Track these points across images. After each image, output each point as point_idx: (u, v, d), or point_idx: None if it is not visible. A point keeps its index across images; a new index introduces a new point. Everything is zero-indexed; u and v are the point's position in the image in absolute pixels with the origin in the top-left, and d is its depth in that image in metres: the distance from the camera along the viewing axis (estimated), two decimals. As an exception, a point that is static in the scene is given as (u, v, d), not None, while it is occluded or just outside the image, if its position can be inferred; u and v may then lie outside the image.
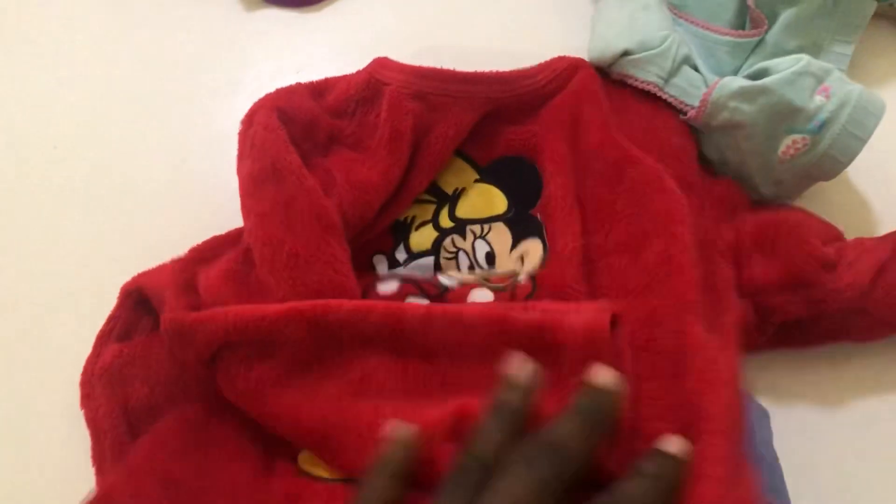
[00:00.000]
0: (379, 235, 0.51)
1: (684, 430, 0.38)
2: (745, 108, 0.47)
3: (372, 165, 0.49)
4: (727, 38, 0.55)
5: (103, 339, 0.49)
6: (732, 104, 0.48)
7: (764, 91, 0.47)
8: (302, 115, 0.50)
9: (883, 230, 0.53)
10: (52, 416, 0.50)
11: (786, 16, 0.54)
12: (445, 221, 0.51)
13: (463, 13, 0.62)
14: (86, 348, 0.49)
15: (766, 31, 0.55)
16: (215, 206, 0.56)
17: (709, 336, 0.43)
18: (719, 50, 0.56)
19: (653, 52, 0.52)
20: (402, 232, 0.51)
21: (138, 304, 0.50)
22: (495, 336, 0.40)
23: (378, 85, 0.51)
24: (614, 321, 0.40)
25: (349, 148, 0.51)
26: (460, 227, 0.51)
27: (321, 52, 0.61)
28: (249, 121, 0.49)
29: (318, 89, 0.52)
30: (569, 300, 0.46)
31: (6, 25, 0.64)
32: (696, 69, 0.54)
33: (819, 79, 0.47)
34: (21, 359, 0.52)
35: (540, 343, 0.39)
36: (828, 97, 0.47)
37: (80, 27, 0.63)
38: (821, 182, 0.52)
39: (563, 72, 0.53)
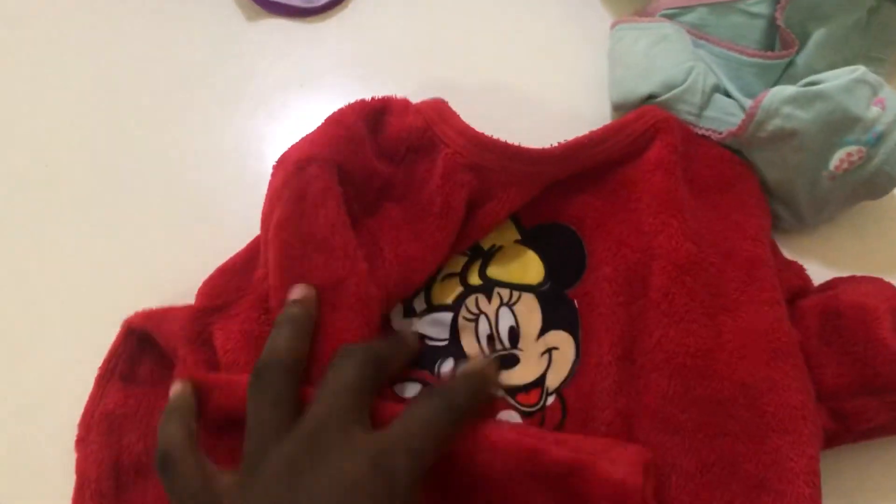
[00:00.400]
0: None
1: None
2: (800, 114, 0.45)
3: (420, 238, 0.45)
4: (755, 59, 0.53)
5: (106, 377, 0.45)
6: (786, 110, 0.45)
7: (821, 96, 0.44)
8: (359, 173, 0.45)
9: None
10: (44, 454, 0.47)
11: (818, 35, 0.52)
12: (474, 278, 0.47)
13: (470, 25, 0.59)
14: (83, 371, 0.45)
15: (797, 53, 0.53)
16: (215, 221, 0.52)
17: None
18: (747, 72, 0.53)
19: (679, 90, 0.50)
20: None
21: (142, 340, 0.46)
22: (524, 467, 0.38)
23: (434, 138, 0.47)
24: (646, 469, 0.38)
25: (395, 202, 0.46)
26: (488, 287, 0.47)
27: (324, 64, 0.58)
28: (301, 166, 0.43)
29: (376, 114, 0.47)
30: (598, 422, 0.43)
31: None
32: (727, 94, 0.52)
33: (874, 90, 0.45)
34: (13, 381, 0.48)
35: (568, 484, 0.38)
36: (883, 108, 0.44)
37: (77, 39, 0.59)
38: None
39: (639, 137, 0.47)
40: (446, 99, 0.48)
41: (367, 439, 0.36)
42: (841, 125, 0.45)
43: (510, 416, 0.44)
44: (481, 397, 0.41)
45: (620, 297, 0.45)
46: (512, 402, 0.44)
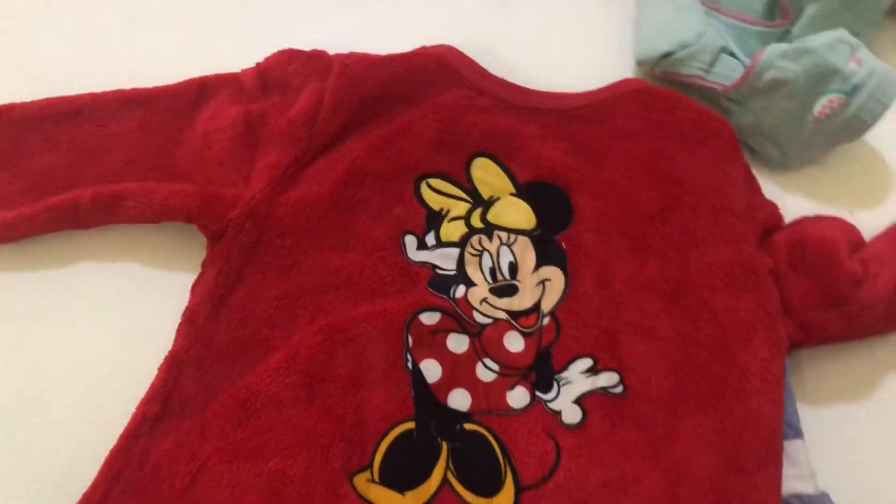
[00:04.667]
0: (412, 217, 0.54)
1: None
2: (791, 66, 0.54)
3: None
4: (758, 27, 0.63)
5: None
6: (780, 63, 0.55)
7: (807, 52, 0.54)
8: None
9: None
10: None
11: (810, 9, 0.61)
12: (476, 222, 0.55)
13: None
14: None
15: (793, 24, 0.62)
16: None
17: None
18: (750, 39, 0.63)
19: (691, 48, 0.60)
20: (435, 221, 0.54)
21: None
22: None
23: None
24: None
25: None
26: (489, 229, 0.55)
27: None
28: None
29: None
30: (587, 338, 0.51)
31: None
32: (732, 55, 0.61)
33: (853, 48, 0.55)
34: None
35: None
36: (860, 65, 0.54)
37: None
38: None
39: (602, 102, 0.59)
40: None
41: None
42: (824, 76, 0.54)
43: (514, 336, 0.52)
44: None
45: (601, 238, 0.54)
46: (515, 324, 0.52)
